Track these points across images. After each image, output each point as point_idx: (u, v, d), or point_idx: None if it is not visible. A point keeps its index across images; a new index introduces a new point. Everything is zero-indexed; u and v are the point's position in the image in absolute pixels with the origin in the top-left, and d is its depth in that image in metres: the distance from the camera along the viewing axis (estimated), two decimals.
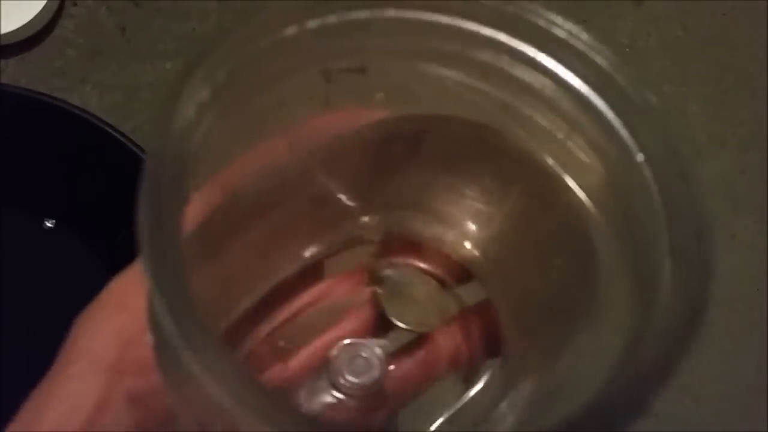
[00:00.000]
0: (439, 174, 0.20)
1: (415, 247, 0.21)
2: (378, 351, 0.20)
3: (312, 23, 0.16)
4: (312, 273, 0.21)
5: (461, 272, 0.21)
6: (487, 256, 0.20)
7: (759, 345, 0.43)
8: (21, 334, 0.39)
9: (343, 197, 0.20)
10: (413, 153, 0.20)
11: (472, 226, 0.21)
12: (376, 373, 0.20)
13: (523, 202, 0.19)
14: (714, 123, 0.46)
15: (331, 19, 0.16)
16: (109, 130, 0.37)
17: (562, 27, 0.16)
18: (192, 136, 0.15)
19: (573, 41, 0.16)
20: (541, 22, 0.16)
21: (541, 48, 0.16)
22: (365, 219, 0.21)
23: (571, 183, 0.17)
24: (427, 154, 0.19)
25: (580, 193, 0.17)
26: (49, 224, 0.40)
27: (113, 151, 0.37)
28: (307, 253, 0.21)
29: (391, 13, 0.16)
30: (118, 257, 0.39)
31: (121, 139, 0.37)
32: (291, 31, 0.16)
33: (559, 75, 0.16)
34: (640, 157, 0.15)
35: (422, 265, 0.21)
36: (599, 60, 0.16)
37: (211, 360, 0.12)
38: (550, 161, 0.17)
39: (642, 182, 0.15)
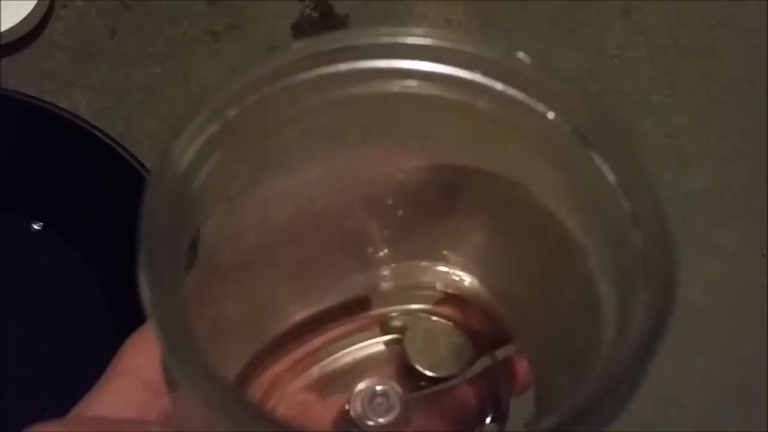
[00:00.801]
0: (472, 227, 0.20)
1: (440, 298, 0.22)
2: (398, 390, 0.21)
3: (329, 69, 0.16)
4: (321, 317, 0.21)
5: (490, 327, 0.21)
6: (515, 310, 0.20)
7: (743, 353, 0.43)
8: (7, 336, 0.38)
9: (373, 242, 0.20)
10: (450, 203, 0.20)
11: (500, 280, 0.21)
12: (396, 411, 0.20)
13: (548, 261, 0.19)
14: (701, 134, 0.46)
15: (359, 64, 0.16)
16: (97, 134, 0.37)
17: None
18: (197, 173, 0.15)
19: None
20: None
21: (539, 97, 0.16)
22: (388, 268, 0.21)
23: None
24: (462, 205, 0.20)
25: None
26: (36, 227, 0.40)
27: (101, 154, 0.37)
28: (323, 295, 0.21)
29: (412, 64, 0.17)
30: (105, 259, 0.39)
31: (109, 142, 0.37)
32: (309, 74, 0.16)
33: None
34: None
35: (443, 313, 0.22)
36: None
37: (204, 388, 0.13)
38: (569, 221, 0.17)
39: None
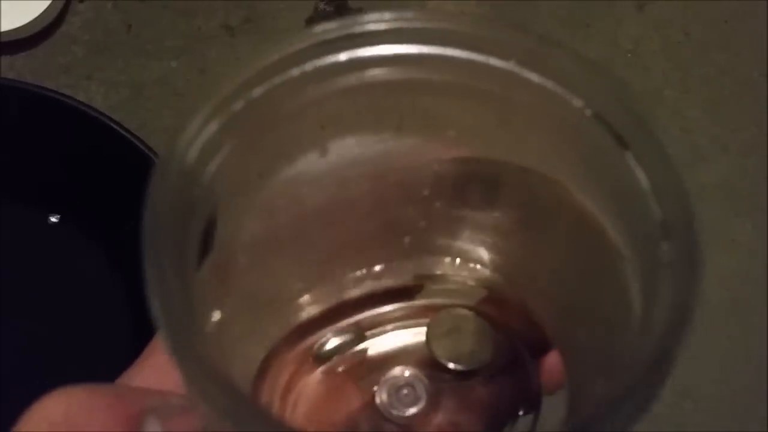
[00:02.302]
0: (510, 224, 0.20)
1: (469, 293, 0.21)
2: (425, 381, 0.20)
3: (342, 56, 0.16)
4: (354, 304, 0.21)
5: (529, 330, 0.21)
6: (552, 310, 0.20)
7: (758, 348, 0.43)
8: (26, 330, 0.39)
9: (409, 232, 0.20)
10: (488, 198, 0.19)
11: (538, 280, 0.20)
12: (422, 403, 0.20)
13: (586, 262, 0.19)
14: (715, 128, 0.46)
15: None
16: (115, 127, 0.38)
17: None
18: (206, 166, 0.15)
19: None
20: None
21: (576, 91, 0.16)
22: (423, 260, 0.21)
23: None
24: (501, 201, 0.19)
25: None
26: (53, 219, 0.40)
27: (118, 147, 0.37)
28: (357, 283, 0.21)
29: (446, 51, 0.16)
30: (123, 252, 0.40)
31: (127, 135, 0.37)
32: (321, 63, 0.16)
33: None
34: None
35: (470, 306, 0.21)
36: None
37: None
38: (606, 223, 0.17)
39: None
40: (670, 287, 0.14)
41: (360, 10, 0.45)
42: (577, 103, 0.16)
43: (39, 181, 0.40)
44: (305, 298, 0.20)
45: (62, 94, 0.38)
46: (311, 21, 0.45)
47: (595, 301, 0.19)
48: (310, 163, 0.18)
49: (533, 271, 0.20)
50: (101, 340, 0.39)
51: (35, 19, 0.43)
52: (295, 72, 0.16)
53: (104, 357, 0.34)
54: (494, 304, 0.21)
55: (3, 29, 0.42)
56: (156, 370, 0.19)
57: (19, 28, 0.42)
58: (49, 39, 0.44)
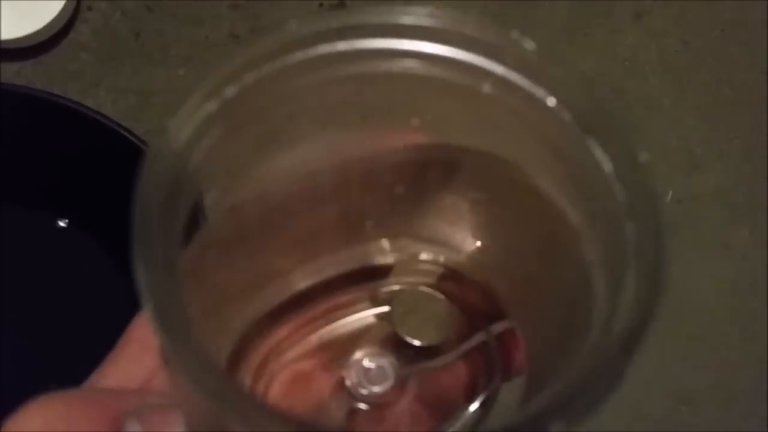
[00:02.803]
0: (470, 205, 0.20)
1: (430, 273, 0.22)
2: (393, 361, 0.21)
3: (327, 47, 0.17)
4: (321, 288, 0.21)
5: (487, 304, 0.21)
6: (511, 287, 0.21)
7: (755, 353, 0.43)
8: (34, 334, 0.39)
9: (372, 217, 0.20)
10: (448, 181, 0.20)
11: (497, 257, 0.21)
12: (390, 381, 0.21)
13: (544, 242, 0.19)
14: (711, 136, 0.46)
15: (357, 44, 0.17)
16: (124, 133, 0.38)
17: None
18: (196, 148, 0.16)
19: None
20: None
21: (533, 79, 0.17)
22: (384, 243, 0.21)
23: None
24: (461, 184, 0.20)
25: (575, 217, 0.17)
26: (62, 224, 0.40)
27: (127, 152, 0.38)
28: (323, 267, 0.21)
29: (411, 45, 0.17)
30: (131, 257, 0.40)
31: (135, 141, 0.38)
32: (311, 53, 0.16)
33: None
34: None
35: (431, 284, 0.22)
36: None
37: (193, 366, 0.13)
38: (565, 205, 0.18)
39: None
40: (635, 267, 0.14)
41: None
42: (540, 93, 0.16)
43: (47, 186, 0.40)
44: (272, 287, 0.20)
45: (72, 101, 0.39)
46: None
47: (555, 280, 0.19)
48: (278, 155, 0.18)
49: (493, 250, 0.21)
50: (110, 344, 0.39)
51: (44, 27, 0.43)
52: (267, 67, 0.16)
53: None
54: (455, 282, 0.21)
55: (12, 36, 0.43)
56: (128, 363, 0.19)
57: (28, 35, 0.43)
58: (58, 46, 0.44)
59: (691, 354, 0.43)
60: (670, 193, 0.45)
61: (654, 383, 0.43)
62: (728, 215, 0.45)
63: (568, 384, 0.14)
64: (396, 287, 0.22)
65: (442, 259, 0.21)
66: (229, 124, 0.16)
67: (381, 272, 0.22)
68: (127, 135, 0.38)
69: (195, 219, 0.16)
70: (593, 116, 0.16)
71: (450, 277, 0.22)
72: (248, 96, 0.16)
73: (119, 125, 0.38)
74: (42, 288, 0.40)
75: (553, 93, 0.16)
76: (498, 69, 0.17)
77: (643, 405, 0.43)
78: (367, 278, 0.22)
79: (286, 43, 0.16)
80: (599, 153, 0.16)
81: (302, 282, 0.21)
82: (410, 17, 0.17)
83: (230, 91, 0.16)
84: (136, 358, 0.19)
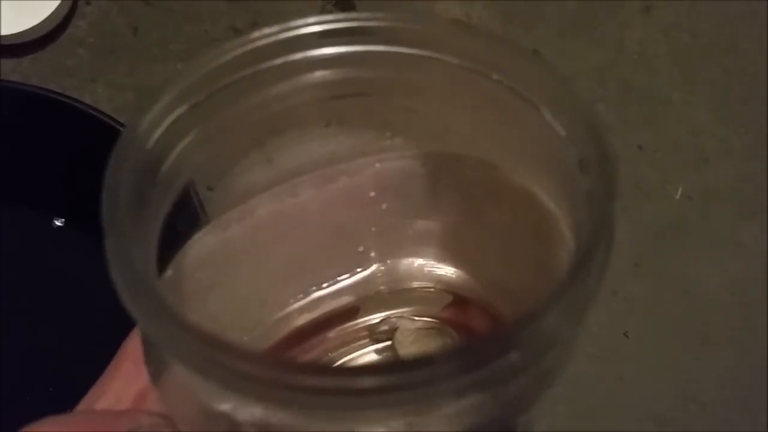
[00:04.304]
0: (454, 217, 0.20)
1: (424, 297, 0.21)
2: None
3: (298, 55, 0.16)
4: (318, 324, 0.21)
5: (488, 326, 0.21)
6: (510, 303, 0.20)
7: (763, 351, 0.43)
8: (31, 333, 0.39)
9: (362, 238, 0.20)
10: (430, 193, 0.20)
11: (490, 270, 0.21)
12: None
13: (531, 242, 0.19)
14: (721, 130, 0.46)
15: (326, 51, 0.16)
16: (121, 129, 0.37)
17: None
18: (167, 156, 0.15)
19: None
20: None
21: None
22: (378, 269, 0.21)
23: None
24: (442, 195, 0.20)
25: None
26: (58, 223, 0.40)
27: None
28: (318, 302, 0.20)
29: (380, 47, 0.17)
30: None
31: None
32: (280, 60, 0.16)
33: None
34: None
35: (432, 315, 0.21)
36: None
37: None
38: (545, 197, 0.18)
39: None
40: (590, 210, 0.14)
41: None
42: (495, 76, 0.17)
43: (43, 184, 0.40)
44: (265, 322, 0.20)
45: (68, 97, 0.38)
46: None
47: (548, 281, 0.19)
48: (257, 168, 0.18)
49: (485, 261, 0.21)
50: (107, 344, 0.39)
51: (41, 22, 0.43)
52: (237, 75, 0.16)
53: (110, 360, 0.34)
54: (458, 308, 0.21)
55: (9, 32, 0.42)
56: (123, 381, 0.19)
57: (25, 31, 0.42)
58: (55, 42, 0.44)
59: (700, 352, 0.43)
60: (680, 189, 0.45)
61: (663, 382, 0.42)
62: (740, 211, 0.45)
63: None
64: (394, 320, 0.21)
65: (439, 279, 0.21)
66: (201, 129, 0.16)
67: (375, 303, 0.21)
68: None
69: (194, 218, 0.16)
70: (548, 90, 0.16)
71: (450, 303, 0.21)
72: (217, 102, 0.16)
73: (116, 121, 0.37)
74: (37, 287, 0.40)
75: (505, 75, 0.16)
76: (447, 58, 0.17)
77: (653, 404, 0.42)
78: (357, 313, 0.21)
79: (258, 48, 0.16)
80: (553, 122, 0.16)
81: (294, 318, 0.20)
82: (362, 21, 0.17)
83: (200, 96, 0.16)
84: (131, 377, 0.19)
